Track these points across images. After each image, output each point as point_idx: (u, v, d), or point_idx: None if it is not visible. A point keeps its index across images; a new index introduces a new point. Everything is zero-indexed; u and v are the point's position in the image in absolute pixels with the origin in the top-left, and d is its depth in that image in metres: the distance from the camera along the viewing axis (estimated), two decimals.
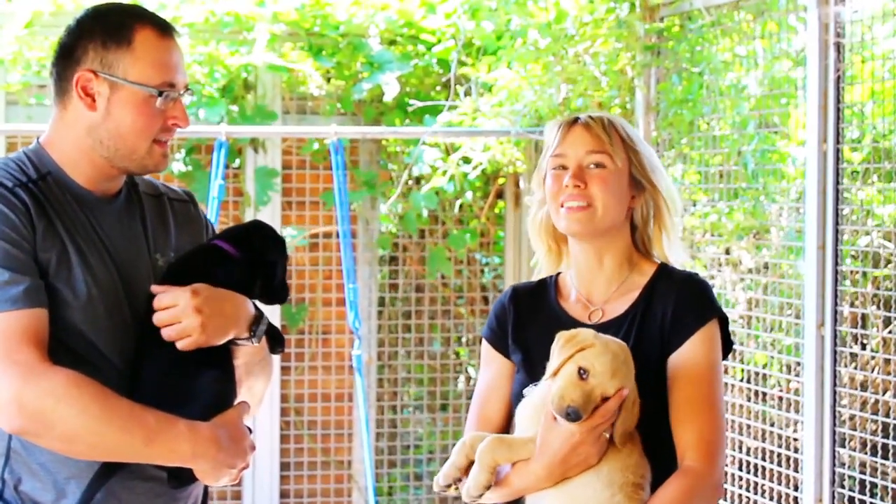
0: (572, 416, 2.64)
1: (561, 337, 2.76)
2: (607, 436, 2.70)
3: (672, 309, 2.86)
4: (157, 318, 2.66)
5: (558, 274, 3.06)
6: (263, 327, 2.76)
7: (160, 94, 2.68)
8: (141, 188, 2.86)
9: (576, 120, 2.97)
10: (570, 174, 2.90)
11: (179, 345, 2.65)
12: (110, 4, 2.77)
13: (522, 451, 2.76)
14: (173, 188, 2.97)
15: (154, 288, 2.70)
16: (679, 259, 3.02)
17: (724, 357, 2.92)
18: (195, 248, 2.86)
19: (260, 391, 2.87)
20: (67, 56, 2.70)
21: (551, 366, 2.73)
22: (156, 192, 2.89)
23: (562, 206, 2.91)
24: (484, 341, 3.06)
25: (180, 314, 2.65)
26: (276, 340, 2.86)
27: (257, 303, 2.84)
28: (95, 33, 2.68)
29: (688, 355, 2.83)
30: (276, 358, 7.02)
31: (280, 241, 2.86)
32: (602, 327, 2.88)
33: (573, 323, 2.92)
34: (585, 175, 2.90)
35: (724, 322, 2.91)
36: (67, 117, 2.72)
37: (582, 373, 2.67)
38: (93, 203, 2.73)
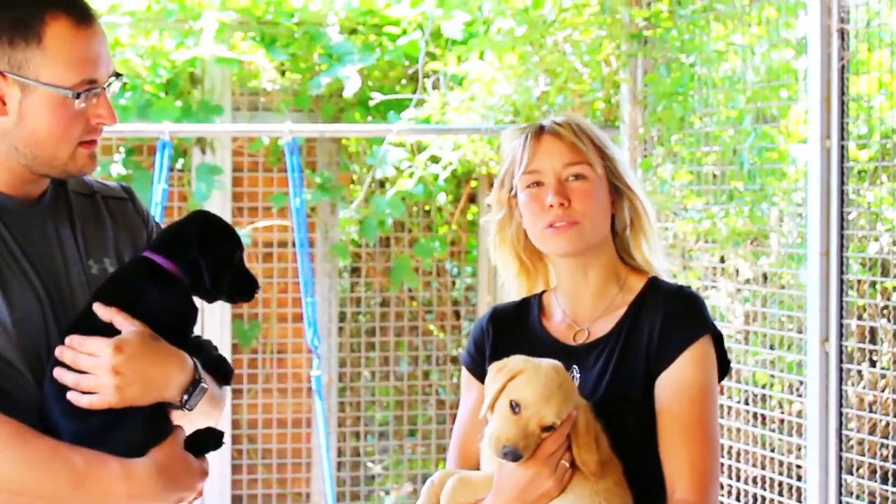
0: (510, 456, 2.68)
1: (493, 368, 2.78)
2: (567, 464, 2.72)
3: (660, 325, 2.86)
4: (72, 362, 2.57)
5: (543, 292, 3.07)
6: (200, 396, 2.65)
7: (78, 95, 2.60)
8: (70, 186, 2.78)
9: (541, 128, 2.97)
10: (552, 192, 2.90)
11: (83, 400, 2.56)
12: None
13: (483, 489, 2.78)
14: (108, 185, 2.89)
15: (97, 309, 2.61)
16: (663, 265, 3.03)
17: (721, 378, 2.92)
18: (126, 262, 2.76)
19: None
20: None
21: (486, 400, 2.76)
22: (88, 190, 2.81)
23: (546, 228, 2.91)
24: (463, 368, 3.07)
25: (96, 368, 2.55)
26: (220, 373, 2.77)
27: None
28: (0, 27, 2.59)
29: (677, 376, 2.83)
30: None
31: (226, 234, 2.73)
32: (588, 348, 2.90)
33: (556, 345, 2.92)
34: (567, 190, 2.90)
35: (718, 339, 2.90)
36: None
37: (514, 406, 2.69)
38: (12, 210, 2.65)
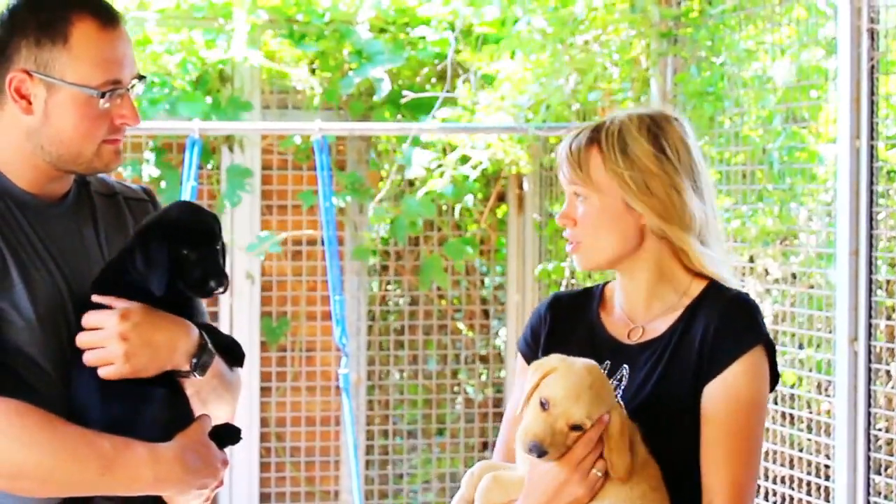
0: (535, 451, 2.68)
1: (531, 366, 2.80)
2: (598, 473, 2.73)
3: (713, 332, 2.82)
4: (80, 340, 2.64)
5: (606, 283, 3.07)
6: (209, 360, 2.71)
7: (103, 94, 2.66)
8: (93, 187, 2.84)
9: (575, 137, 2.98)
10: (561, 210, 2.95)
11: (101, 372, 2.62)
12: None
13: (516, 491, 2.80)
14: (130, 186, 2.95)
15: (95, 298, 2.68)
16: (722, 273, 2.94)
17: (771, 389, 2.87)
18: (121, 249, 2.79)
19: (225, 415, 2.85)
20: None
21: (522, 397, 2.76)
22: (110, 191, 2.87)
23: (568, 243, 2.98)
24: (518, 355, 3.09)
25: (104, 339, 2.62)
26: (232, 354, 2.81)
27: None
28: (28, 28, 2.65)
29: (727, 386, 2.80)
30: (256, 377, 7.18)
31: (184, 225, 2.69)
32: (640, 347, 2.90)
33: (610, 340, 2.95)
34: (574, 210, 2.93)
35: (771, 350, 2.86)
36: (3, 120, 2.70)
37: (543, 403, 2.71)
38: (37, 208, 2.71)
